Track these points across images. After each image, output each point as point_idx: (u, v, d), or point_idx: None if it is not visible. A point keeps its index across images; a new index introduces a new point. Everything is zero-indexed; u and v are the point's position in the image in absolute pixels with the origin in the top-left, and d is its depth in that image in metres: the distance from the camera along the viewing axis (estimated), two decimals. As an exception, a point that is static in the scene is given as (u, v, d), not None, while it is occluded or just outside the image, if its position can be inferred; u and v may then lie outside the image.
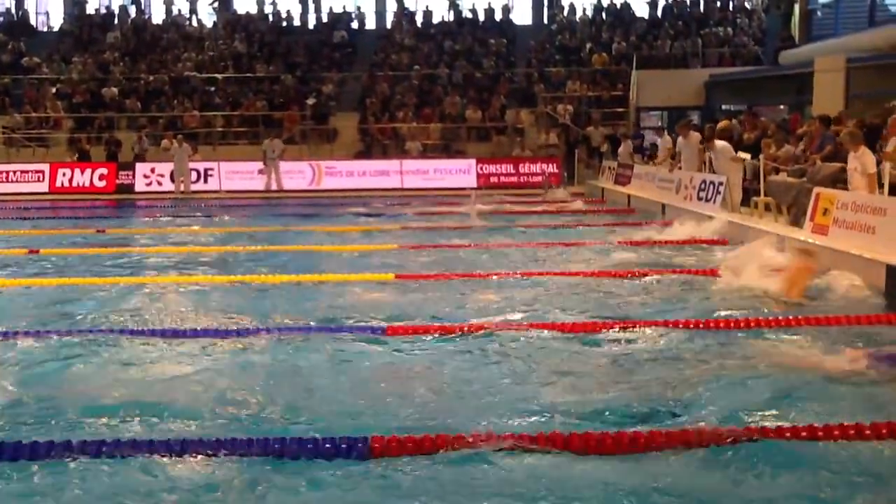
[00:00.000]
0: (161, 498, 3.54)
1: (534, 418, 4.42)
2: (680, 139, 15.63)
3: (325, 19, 31.06)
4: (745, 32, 27.98)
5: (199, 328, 6.38)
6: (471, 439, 3.98)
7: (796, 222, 10.59)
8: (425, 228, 13.20)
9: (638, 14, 30.31)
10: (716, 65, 26.00)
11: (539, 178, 21.84)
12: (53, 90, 26.22)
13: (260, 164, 21.63)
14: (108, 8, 32.83)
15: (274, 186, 21.48)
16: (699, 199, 13.59)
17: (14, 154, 23.70)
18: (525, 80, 27.00)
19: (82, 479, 3.70)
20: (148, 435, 4.14)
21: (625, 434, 4.06)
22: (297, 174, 22.09)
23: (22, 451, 3.92)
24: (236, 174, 22.10)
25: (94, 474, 3.74)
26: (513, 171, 22.55)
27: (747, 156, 12.84)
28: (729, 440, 3.95)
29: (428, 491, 3.61)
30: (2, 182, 21.86)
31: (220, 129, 24.95)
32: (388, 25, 31.20)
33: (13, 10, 32.13)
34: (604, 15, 30.51)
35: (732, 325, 6.33)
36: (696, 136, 15.26)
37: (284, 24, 31.05)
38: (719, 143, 13.10)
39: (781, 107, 22.35)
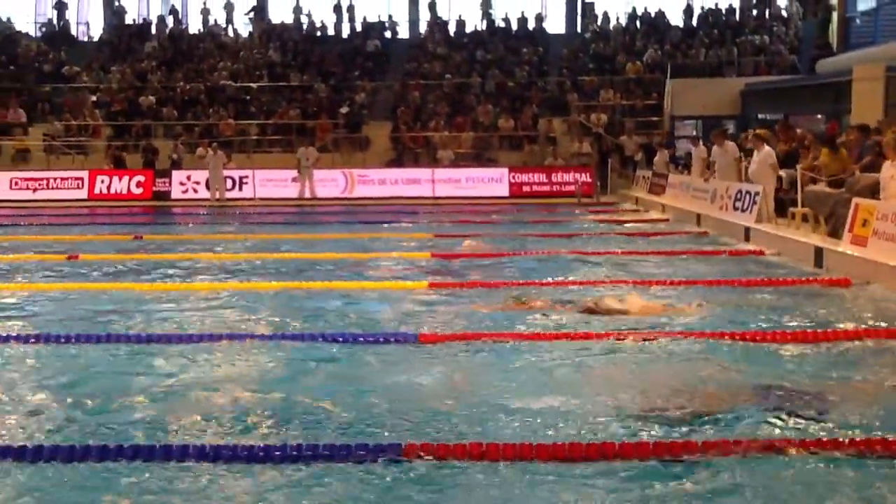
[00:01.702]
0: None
1: (572, 427, 4.39)
2: (715, 148, 15.48)
3: (358, 28, 31.30)
4: (782, 41, 27.69)
5: (231, 333, 6.44)
6: (511, 449, 3.96)
7: (834, 233, 10.42)
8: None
9: (672, 22, 30.15)
10: (751, 73, 25.74)
11: (572, 188, 21.76)
12: (92, 99, 26.70)
13: (294, 173, 21.81)
14: (145, 18, 33.43)
15: (307, 194, 21.64)
16: (735, 209, 13.43)
17: (54, 161, 24.16)
18: (558, 88, 26.95)
19: (127, 483, 3.75)
20: (183, 440, 4.18)
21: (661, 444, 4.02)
22: (329, 182, 22.24)
23: (73, 453, 3.98)
24: (270, 182, 22.31)
25: (138, 479, 3.78)
26: (545, 181, 22.48)
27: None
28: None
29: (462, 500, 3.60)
30: (42, 189, 22.29)
31: (254, 138, 25.23)
32: (421, 34, 31.36)
33: (55, 21, 32.82)
34: (638, 23, 30.38)
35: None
36: (731, 145, 15.10)
37: (318, 33, 31.35)
38: (767, 148, 12.90)
39: (818, 116, 22.03)
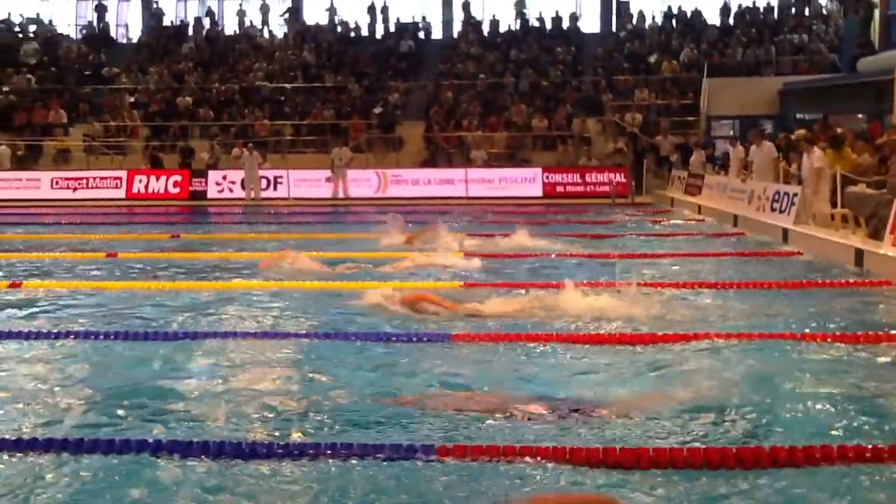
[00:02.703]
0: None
1: (607, 431, 4.35)
2: (753, 148, 15.27)
3: (392, 29, 31.40)
4: (821, 39, 27.22)
5: (266, 331, 6.50)
6: (545, 452, 3.94)
7: (875, 235, 10.22)
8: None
9: (709, 21, 29.80)
10: (790, 72, 25.33)
11: (606, 188, 21.61)
12: (131, 100, 27.12)
13: (328, 173, 21.94)
14: (183, 20, 33.87)
15: (341, 194, 21.75)
16: (773, 210, 13.24)
17: (93, 161, 24.57)
18: (592, 88, 26.78)
19: (162, 478, 3.79)
20: (219, 436, 4.21)
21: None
22: (363, 182, 22.33)
23: (111, 447, 4.05)
24: (304, 182, 22.46)
25: (174, 474, 3.83)
26: (579, 181, 22.35)
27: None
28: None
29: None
30: (82, 188, 22.68)
31: (288, 138, 25.42)
32: (455, 35, 31.36)
33: (95, 23, 33.39)
34: (674, 22, 30.08)
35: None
36: (769, 145, 14.88)
37: (352, 34, 31.51)
38: (818, 150, 12.64)
39: (859, 115, 21.62)
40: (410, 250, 10.36)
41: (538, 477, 3.76)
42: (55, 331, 6.51)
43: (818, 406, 4.67)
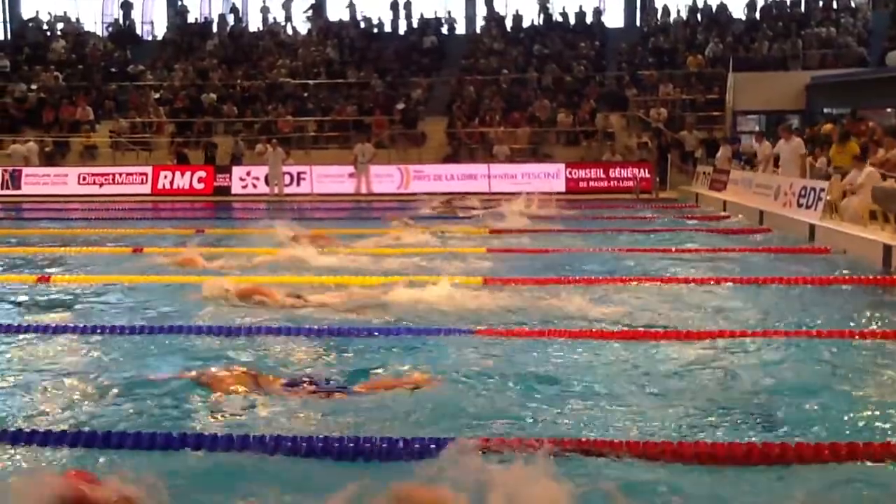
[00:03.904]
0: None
1: (630, 424, 4.33)
2: (781, 142, 15.10)
3: (415, 25, 31.39)
4: (850, 32, 26.82)
5: (290, 327, 6.52)
6: (572, 444, 3.93)
7: (905, 231, 10.07)
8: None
9: (735, 15, 29.50)
10: (817, 67, 25.01)
11: (630, 183, 21.47)
12: (156, 96, 27.35)
13: (350, 168, 21.99)
14: (207, 17, 34.10)
15: (364, 190, 21.80)
16: (799, 205, 13.08)
17: (119, 157, 24.83)
18: (616, 83, 26.61)
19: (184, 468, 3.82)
20: (241, 431, 4.24)
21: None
22: (385, 178, 22.36)
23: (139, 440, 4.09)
24: (327, 178, 22.53)
25: (195, 465, 3.85)
26: (602, 176, 22.22)
27: None
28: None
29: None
30: (108, 184, 22.92)
31: (312, 134, 25.52)
32: (478, 30, 31.28)
33: (121, 21, 33.72)
34: (699, 16, 29.80)
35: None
36: (797, 140, 14.71)
37: (375, 30, 31.55)
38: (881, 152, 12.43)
39: (888, 110, 21.31)
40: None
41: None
42: (80, 325, 6.57)
43: (847, 403, 4.62)
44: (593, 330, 6.32)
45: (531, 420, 4.43)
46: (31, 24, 32.83)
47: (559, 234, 12.78)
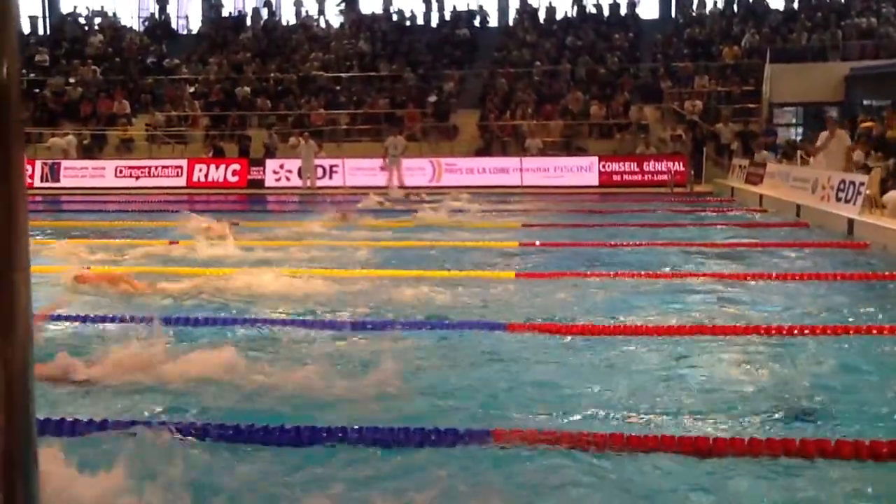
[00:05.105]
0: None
1: (659, 419, 4.30)
2: (825, 134, 14.85)
3: (447, 17, 31.35)
4: (891, 22, 26.27)
5: (325, 321, 6.57)
6: (602, 438, 3.92)
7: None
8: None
9: (772, 6, 29.04)
10: (857, 58, 24.54)
11: (664, 177, 21.26)
12: (191, 90, 27.66)
13: (380, 161, 22.05)
14: (241, 11, 34.38)
15: (395, 183, 21.83)
16: (838, 199, 12.85)
17: (155, 150, 25.16)
18: (650, 75, 26.35)
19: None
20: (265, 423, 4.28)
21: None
22: (417, 171, 22.38)
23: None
24: (360, 171, 22.61)
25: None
26: (636, 170, 22.04)
27: None
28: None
29: (549, 484, 3.57)
30: (144, 177, 23.26)
31: (344, 127, 25.63)
32: (511, 22, 31.15)
33: (157, 15, 34.13)
34: (735, 7, 29.39)
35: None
36: (843, 132, 14.46)
37: (408, 22, 31.56)
38: None
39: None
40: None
41: (591, 464, 3.72)
42: (110, 315, 6.67)
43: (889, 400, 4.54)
44: (626, 326, 6.28)
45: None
46: (69, 19, 33.41)
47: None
